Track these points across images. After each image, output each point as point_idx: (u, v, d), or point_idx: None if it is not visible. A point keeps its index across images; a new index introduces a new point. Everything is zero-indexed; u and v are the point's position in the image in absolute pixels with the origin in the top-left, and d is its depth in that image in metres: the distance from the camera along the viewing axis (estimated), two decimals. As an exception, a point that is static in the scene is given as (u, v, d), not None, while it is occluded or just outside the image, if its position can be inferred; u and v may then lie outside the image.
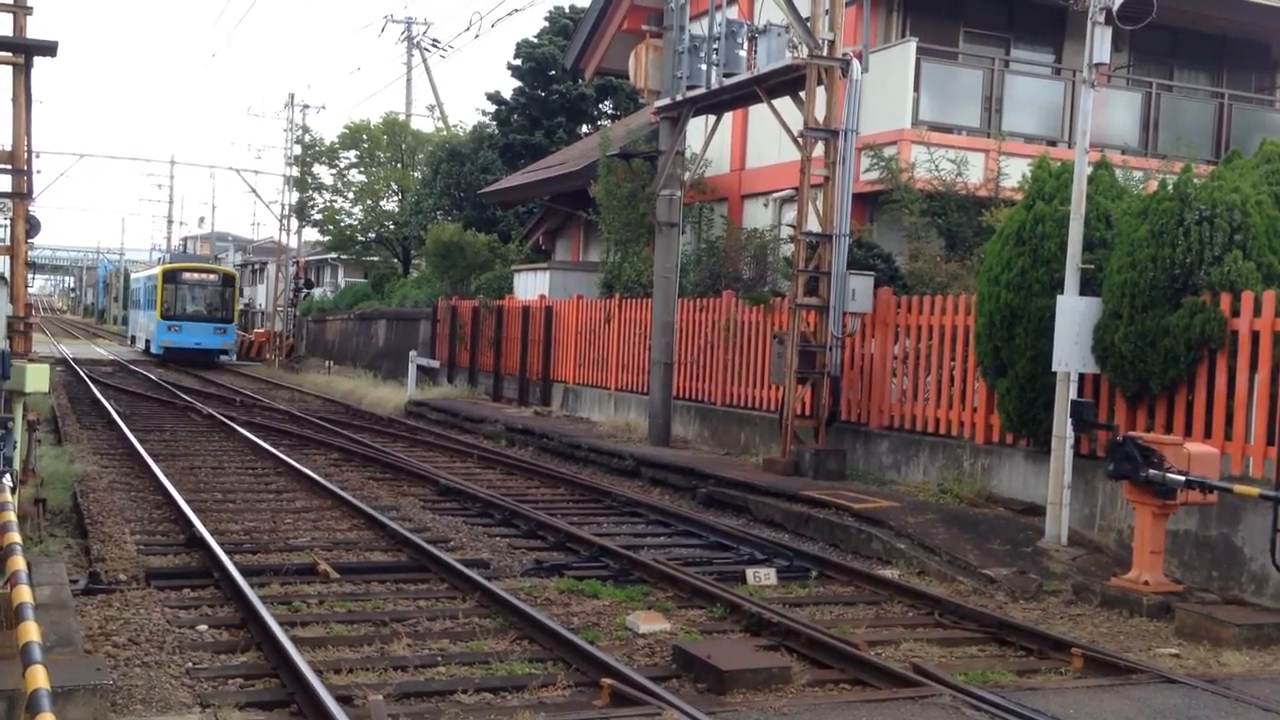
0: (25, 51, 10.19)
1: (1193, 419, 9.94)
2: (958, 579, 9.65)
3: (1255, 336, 9.45)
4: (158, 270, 42.11)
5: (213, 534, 9.81)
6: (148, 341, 42.85)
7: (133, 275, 58.77)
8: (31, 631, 3.64)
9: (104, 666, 6.01)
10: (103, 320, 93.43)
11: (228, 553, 9.09)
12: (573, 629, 7.52)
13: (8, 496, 5.63)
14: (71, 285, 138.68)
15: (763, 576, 9.50)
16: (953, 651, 7.68)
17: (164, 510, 11.49)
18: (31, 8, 10.35)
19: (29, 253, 12.06)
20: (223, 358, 40.73)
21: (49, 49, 10.15)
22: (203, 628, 7.48)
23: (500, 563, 9.70)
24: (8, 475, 6.02)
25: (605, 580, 9.14)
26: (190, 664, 6.64)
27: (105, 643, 6.88)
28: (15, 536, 4.79)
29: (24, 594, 4.02)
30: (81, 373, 29.86)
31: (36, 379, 9.09)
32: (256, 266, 60.58)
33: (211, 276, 41.58)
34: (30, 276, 14.26)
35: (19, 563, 4.43)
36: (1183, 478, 8.54)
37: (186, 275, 41.06)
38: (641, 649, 7.36)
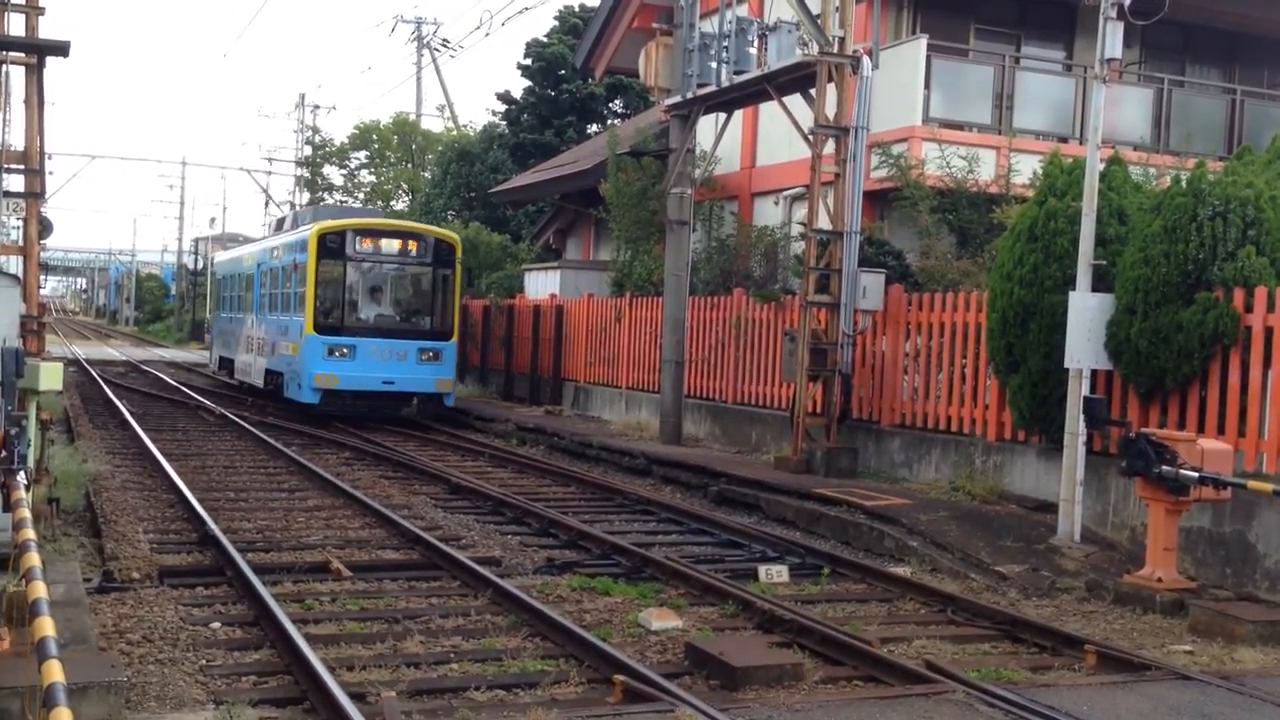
0: (38, 52, 10.25)
1: (1206, 415, 9.91)
2: (970, 576, 9.63)
3: (1269, 332, 9.42)
4: (308, 232, 20.58)
5: (225, 532, 9.83)
6: (273, 376, 22.54)
7: (221, 257, 33.91)
8: (47, 626, 3.65)
9: (118, 664, 6.03)
10: (114, 322, 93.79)
11: (240, 551, 9.11)
12: (585, 626, 7.53)
13: (23, 494, 5.65)
14: (84, 287, 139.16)
15: (775, 574, 9.48)
16: (965, 649, 7.66)
17: (177, 509, 11.52)
18: (44, 8, 10.40)
19: (41, 253, 12.11)
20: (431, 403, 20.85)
21: (61, 49, 10.20)
22: (216, 625, 7.50)
23: (512, 560, 9.71)
24: (22, 473, 6.04)
25: (617, 578, 9.14)
26: (204, 661, 6.65)
27: (119, 640, 6.90)
28: (30, 533, 4.81)
29: (39, 590, 4.03)
30: (94, 373, 29.95)
31: (50, 378, 9.12)
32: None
33: (413, 245, 21.03)
34: (43, 277, 14.31)
35: (34, 559, 4.45)
36: (1196, 474, 8.51)
37: (368, 243, 20.74)
38: (654, 646, 7.35)
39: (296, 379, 20.42)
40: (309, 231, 20.48)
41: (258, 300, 24.43)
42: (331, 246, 20.19)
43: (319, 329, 19.87)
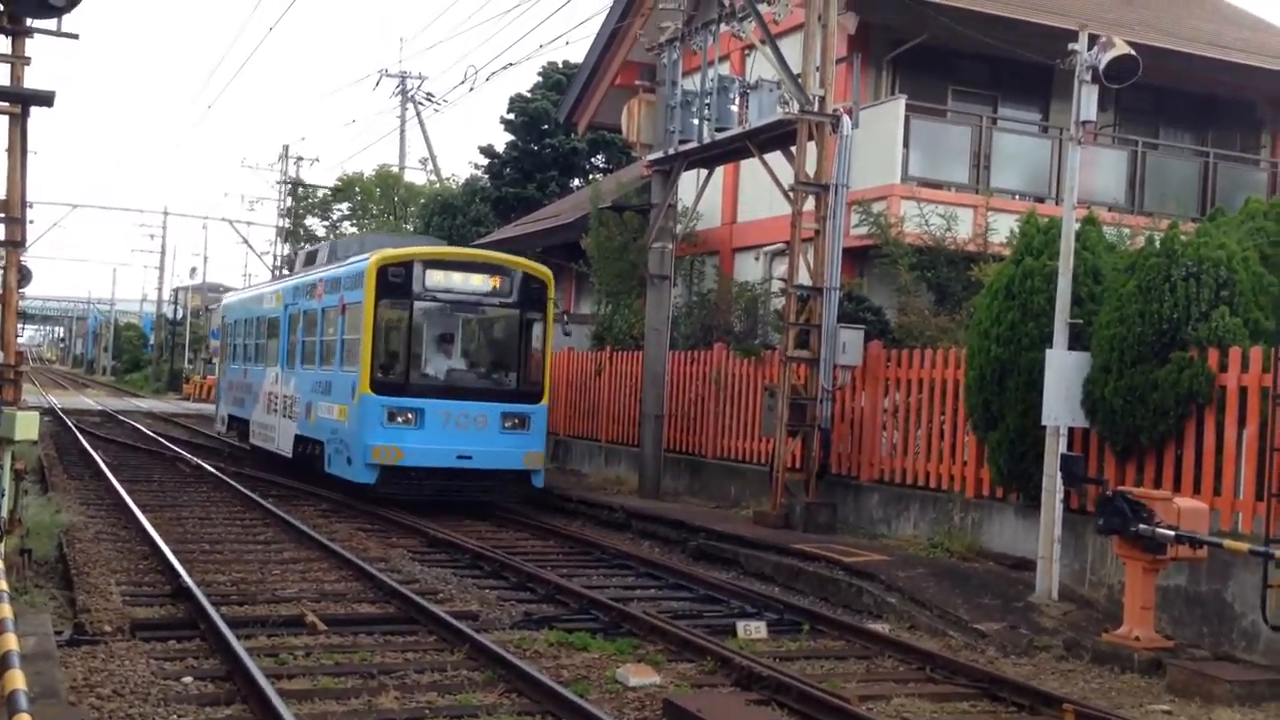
0: (22, 102, 10.26)
1: (1182, 474, 9.97)
2: (949, 634, 9.60)
3: (1243, 392, 9.50)
4: (364, 264, 16.26)
5: (199, 585, 9.73)
6: (308, 445, 17.93)
7: (231, 298, 28.95)
8: (18, 680, 3.61)
9: (88, 718, 5.95)
10: (91, 371, 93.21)
11: (214, 604, 9.02)
12: (563, 682, 7.47)
13: (-5, 545, 5.60)
14: (61, 336, 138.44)
15: (753, 630, 9.44)
16: (944, 707, 7.63)
17: (150, 561, 11.40)
18: (30, 58, 10.42)
19: (19, 302, 12.07)
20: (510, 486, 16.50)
21: (46, 99, 10.22)
22: (188, 680, 7.41)
23: (490, 615, 9.64)
24: (-5, 524, 5.99)
25: (595, 633, 9.08)
26: (175, 716, 6.57)
27: (89, 694, 6.81)
28: (2, 584, 4.76)
29: (10, 642, 3.99)
30: (70, 423, 29.72)
31: (26, 427, 9.06)
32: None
33: (496, 281, 16.56)
34: (20, 326, 14.08)
35: (5, 610, 4.40)
36: (1172, 533, 8.54)
37: (441, 276, 16.28)
38: (632, 703, 7.30)
39: (345, 451, 15.83)
40: (365, 262, 15.89)
41: (285, 350, 19.91)
42: (395, 282, 15.58)
43: (378, 387, 15.36)
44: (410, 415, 15.37)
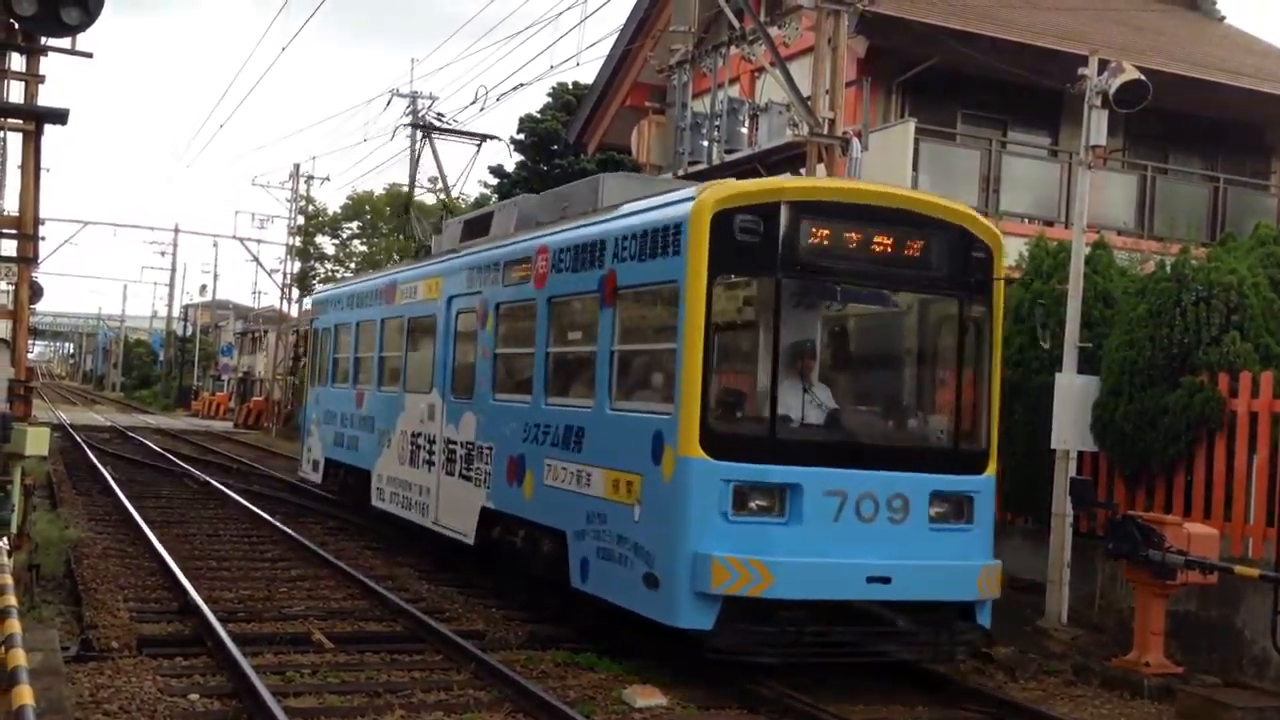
0: (37, 119, 10.34)
1: (1192, 498, 9.93)
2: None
3: (1254, 417, 9.48)
4: (683, 208, 8.34)
5: (207, 601, 9.72)
6: (521, 533, 10.39)
7: (329, 292, 19.89)
8: (26, 695, 3.61)
9: (94, 734, 5.94)
10: (101, 387, 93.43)
11: (221, 621, 9.02)
12: (569, 702, 7.45)
13: (4, 560, 5.61)
14: (71, 351, 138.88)
15: (760, 652, 9.34)
16: (952, 731, 7.57)
17: (158, 577, 11.40)
18: (44, 76, 10.50)
19: (30, 318, 12.12)
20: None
21: (60, 117, 10.29)
22: (194, 697, 7.40)
23: (496, 634, 9.61)
24: (4, 539, 6.00)
25: (602, 654, 9.05)
26: (181, 733, 6.56)
27: (96, 711, 6.81)
28: (11, 600, 4.77)
29: (19, 658, 3.99)
30: (79, 439, 29.78)
31: (37, 443, 9.10)
32: (257, 334, 60.72)
33: (920, 244, 8.74)
34: (31, 342, 14.05)
35: (14, 626, 4.41)
36: (1182, 558, 8.51)
37: (833, 229, 8.51)
38: (638, 724, 7.26)
39: (633, 561, 8.49)
40: (682, 207, 8.50)
41: (448, 367, 12.35)
42: (746, 241, 8.31)
43: (715, 445, 8.14)
44: (775, 498, 8.20)
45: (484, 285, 11.63)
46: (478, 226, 13.36)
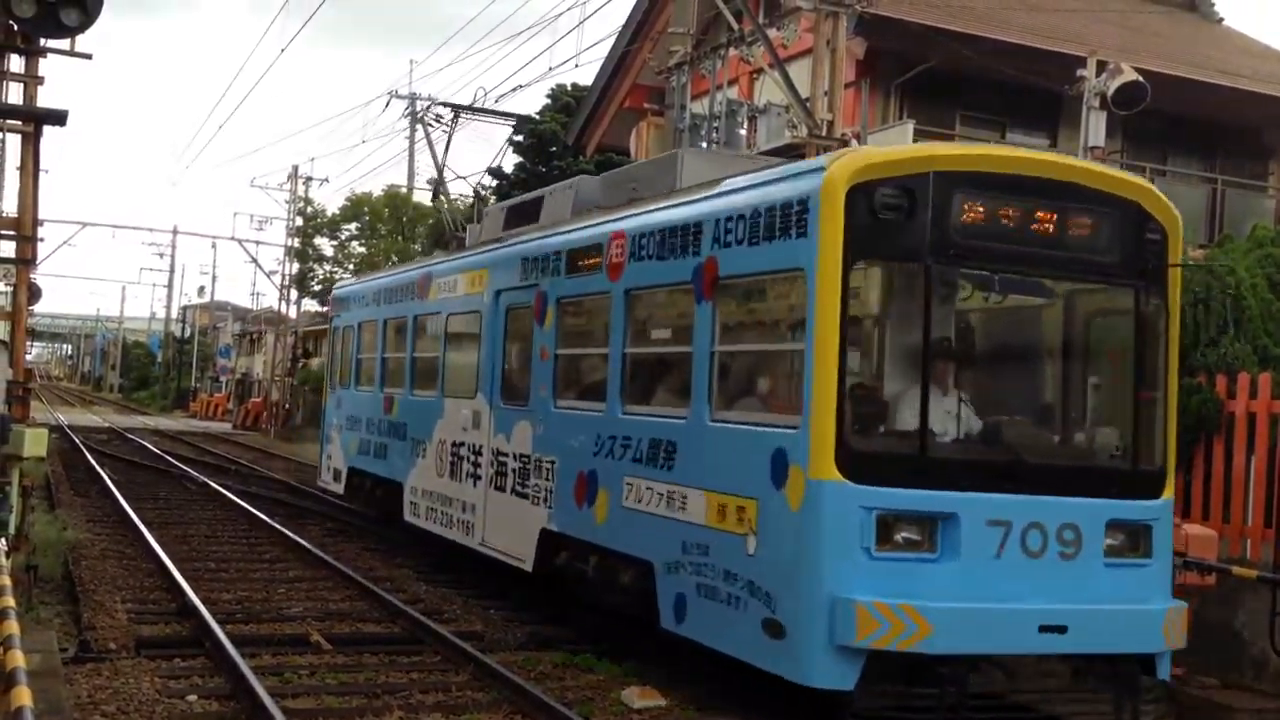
0: (36, 121, 10.35)
1: (1190, 500, 9.93)
2: (955, 659, 9.52)
3: (1252, 418, 9.48)
4: (811, 180, 6.99)
5: (205, 603, 9.72)
6: (591, 559, 8.99)
7: (351, 287, 17.29)
8: (24, 696, 3.61)
9: (92, 735, 5.94)
10: (99, 388, 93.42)
11: (219, 622, 9.01)
12: (567, 704, 7.44)
13: (2, 561, 5.61)
14: (69, 353, 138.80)
15: (759, 654, 9.34)
16: (951, 732, 7.56)
17: (156, 578, 11.40)
18: (43, 78, 10.51)
19: (29, 319, 12.13)
20: None
21: (59, 118, 10.30)
22: (192, 698, 7.40)
23: (495, 635, 9.61)
24: (2, 540, 6.00)
25: (601, 655, 9.05)
26: (179, 735, 6.56)
27: (94, 712, 6.81)
28: (9, 601, 4.77)
29: (17, 659, 3.99)
30: (77, 440, 29.77)
31: (35, 444, 9.10)
32: (255, 336, 60.76)
33: (1090, 225, 7.41)
34: (29, 343, 13.98)
35: (12, 627, 4.41)
36: (1181, 559, 8.51)
37: (991, 203, 7.13)
38: (636, 725, 7.25)
39: (747, 602, 7.13)
40: (814, 180, 7.06)
41: (496, 370, 11.06)
42: (888, 219, 6.93)
43: (853, 465, 6.79)
44: (928, 530, 6.90)
45: (541, 277, 10.20)
46: (525, 212, 11.98)
